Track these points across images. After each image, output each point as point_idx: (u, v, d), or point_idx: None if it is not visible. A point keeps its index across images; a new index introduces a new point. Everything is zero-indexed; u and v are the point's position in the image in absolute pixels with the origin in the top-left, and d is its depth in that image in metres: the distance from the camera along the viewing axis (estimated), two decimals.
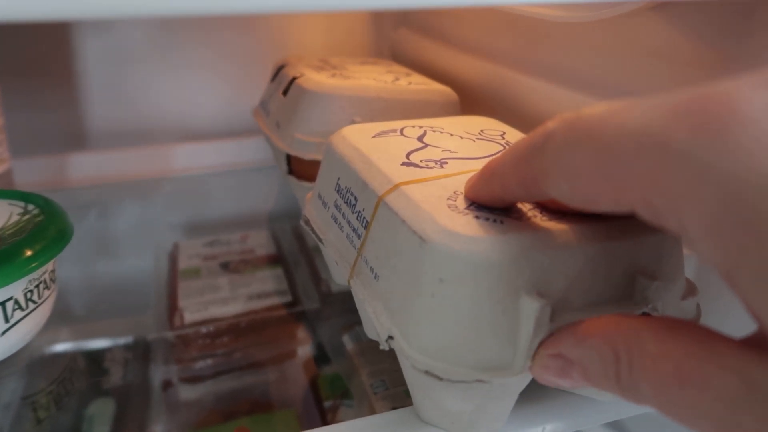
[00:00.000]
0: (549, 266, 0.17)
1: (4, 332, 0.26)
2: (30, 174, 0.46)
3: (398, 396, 0.32)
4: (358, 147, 0.24)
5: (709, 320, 0.21)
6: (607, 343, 0.14)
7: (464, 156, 0.23)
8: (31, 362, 0.35)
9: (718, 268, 0.12)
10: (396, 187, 0.20)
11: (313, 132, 0.34)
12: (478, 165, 0.22)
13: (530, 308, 0.16)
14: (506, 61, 0.38)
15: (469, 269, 0.16)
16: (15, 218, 0.28)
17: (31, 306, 0.27)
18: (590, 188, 0.14)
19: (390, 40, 0.57)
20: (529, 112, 0.35)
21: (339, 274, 0.25)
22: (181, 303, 0.39)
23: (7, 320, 0.26)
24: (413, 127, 0.27)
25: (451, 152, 0.24)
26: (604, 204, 0.14)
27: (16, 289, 0.26)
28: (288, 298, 0.40)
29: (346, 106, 0.33)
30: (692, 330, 0.13)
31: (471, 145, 0.25)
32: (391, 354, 0.19)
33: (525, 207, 0.19)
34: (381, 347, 0.19)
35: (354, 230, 0.22)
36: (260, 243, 0.47)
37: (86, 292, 0.44)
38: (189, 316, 0.38)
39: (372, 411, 0.31)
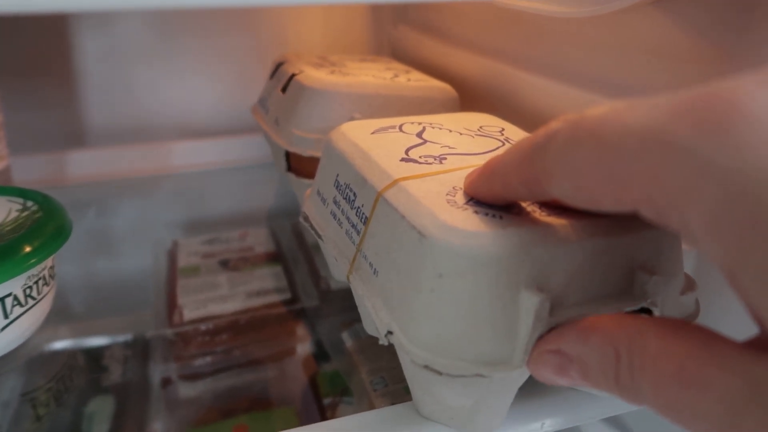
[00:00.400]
0: (548, 261, 0.17)
1: (3, 328, 0.26)
2: (29, 171, 0.46)
3: (398, 393, 0.32)
4: (357, 143, 0.24)
5: (707, 316, 0.21)
6: (608, 341, 0.14)
7: (463, 152, 0.23)
8: (30, 359, 0.35)
9: (720, 267, 0.12)
10: (395, 182, 0.20)
11: (312, 129, 0.34)
12: (478, 161, 0.22)
13: (530, 303, 0.16)
14: (505, 58, 0.38)
15: (468, 264, 0.16)
16: (14, 215, 0.28)
17: (30, 302, 0.27)
18: (593, 187, 0.14)
19: (389, 37, 0.57)
20: (529, 109, 0.35)
21: (338, 271, 0.25)
22: (181, 300, 0.39)
23: (6, 316, 0.26)
24: (412, 123, 0.27)
25: (450, 148, 0.24)
26: (607, 204, 0.14)
27: (15, 285, 0.26)
28: (287, 296, 0.40)
29: (346, 102, 0.33)
30: (694, 331, 0.13)
31: (470, 141, 0.25)
32: (391, 351, 0.19)
33: (524, 203, 0.19)
34: (380, 342, 0.19)
35: (353, 226, 0.22)
36: (259, 241, 0.47)
37: (85, 289, 0.44)
38: (188, 314, 0.38)
39: (371, 408, 0.31)
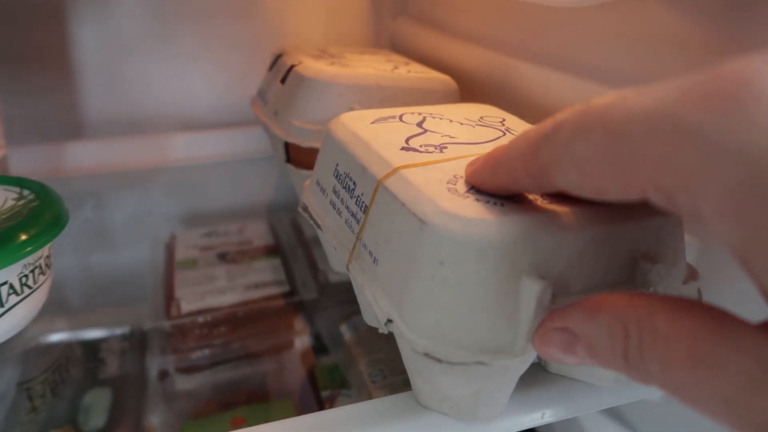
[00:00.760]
0: (550, 248, 0.17)
1: None
2: (26, 162, 0.45)
3: (396, 385, 0.31)
4: (356, 132, 0.23)
5: None
6: (617, 319, 0.14)
7: (464, 141, 0.23)
8: (27, 350, 0.35)
9: (732, 250, 0.11)
10: (395, 170, 0.20)
11: (312, 119, 0.33)
12: (478, 150, 0.22)
13: (531, 290, 0.16)
14: (506, 49, 0.38)
15: (469, 251, 0.16)
16: (10, 203, 0.28)
17: (27, 291, 0.27)
18: (600, 176, 0.13)
19: (389, 30, 0.57)
20: (530, 100, 0.35)
21: (337, 261, 0.24)
22: (178, 293, 0.39)
23: (2, 304, 0.26)
24: (412, 113, 0.26)
25: (450, 137, 0.23)
26: (615, 192, 0.13)
27: (11, 274, 0.26)
28: (285, 289, 0.40)
29: (345, 93, 0.33)
30: (706, 310, 0.13)
31: (471, 130, 0.25)
32: (389, 343, 0.19)
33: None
34: (380, 331, 0.19)
35: (353, 215, 0.21)
36: (258, 234, 0.47)
37: (83, 282, 0.43)
38: (186, 306, 0.37)
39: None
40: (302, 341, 0.38)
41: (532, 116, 0.31)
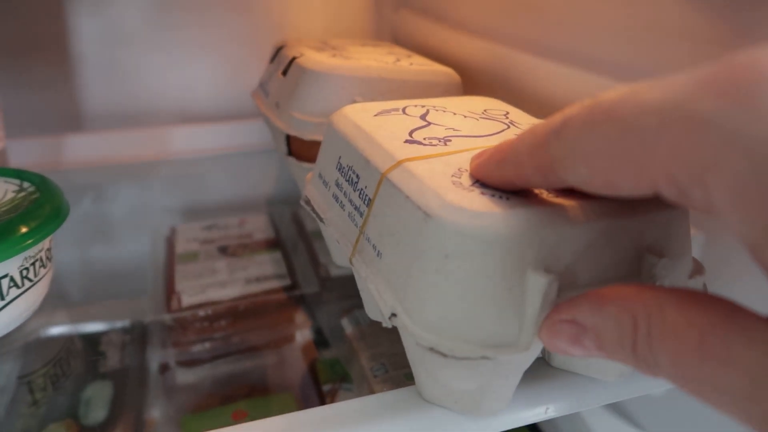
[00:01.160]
0: (556, 242, 0.16)
1: (0, 309, 0.26)
2: (25, 155, 0.45)
3: (398, 379, 0.31)
4: (359, 125, 0.23)
5: None
6: (625, 310, 0.14)
7: (468, 134, 0.23)
8: (27, 344, 0.35)
9: (744, 242, 0.11)
10: (399, 163, 0.20)
11: (313, 112, 0.33)
12: (483, 143, 0.22)
13: (537, 284, 0.16)
14: (509, 41, 0.37)
15: (474, 244, 0.16)
16: (10, 195, 0.28)
17: (27, 284, 0.27)
18: (611, 170, 0.13)
19: (391, 22, 0.56)
20: (534, 93, 0.34)
21: (340, 254, 0.24)
22: (178, 286, 0.38)
23: (2, 297, 0.25)
24: (416, 106, 0.26)
25: (454, 130, 0.23)
26: (626, 187, 0.13)
27: (12, 266, 0.25)
28: (286, 282, 0.40)
29: (347, 85, 0.33)
30: (716, 302, 0.13)
31: (475, 123, 0.24)
32: (391, 337, 0.19)
33: None
34: (384, 325, 0.19)
35: (356, 208, 0.21)
36: (259, 227, 0.46)
37: (83, 275, 0.43)
38: (186, 300, 0.37)
39: (371, 394, 0.31)
40: (303, 335, 0.38)
41: (536, 109, 0.30)
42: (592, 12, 0.30)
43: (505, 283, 0.16)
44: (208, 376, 0.35)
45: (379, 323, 0.20)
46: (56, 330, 0.37)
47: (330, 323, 0.38)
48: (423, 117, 0.25)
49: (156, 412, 0.32)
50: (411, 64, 0.36)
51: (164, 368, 0.35)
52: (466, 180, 0.18)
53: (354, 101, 0.33)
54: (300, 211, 0.47)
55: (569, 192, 0.18)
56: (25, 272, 0.26)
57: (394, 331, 0.19)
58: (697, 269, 0.20)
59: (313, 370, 0.35)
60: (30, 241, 0.25)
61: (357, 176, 0.22)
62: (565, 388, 0.21)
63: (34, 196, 0.28)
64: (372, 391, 0.31)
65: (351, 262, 0.21)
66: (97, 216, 0.47)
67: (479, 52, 0.40)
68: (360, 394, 0.32)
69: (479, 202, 0.17)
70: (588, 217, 0.17)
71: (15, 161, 0.43)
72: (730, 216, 0.11)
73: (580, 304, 0.15)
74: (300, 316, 0.39)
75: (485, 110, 0.26)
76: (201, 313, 0.37)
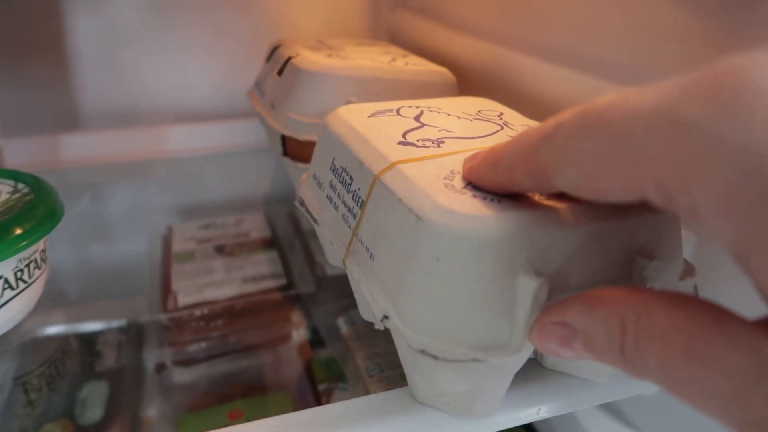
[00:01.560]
0: (547, 245, 0.16)
1: None
2: (21, 154, 0.45)
3: (393, 379, 0.31)
4: (354, 126, 0.23)
5: None
6: (614, 313, 0.14)
7: (461, 136, 0.23)
8: (23, 344, 0.35)
9: (729, 248, 0.11)
10: (392, 165, 0.20)
11: (308, 112, 0.33)
12: (476, 144, 0.22)
13: (528, 287, 0.16)
14: (505, 42, 0.37)
15: (465, 247, 0.16)
16: (5, 197, 0.28)
17: (22, 285, 0.27)
18: (600, 176, 0.13)
19: (387, 21, 0.56)
20: (529, 94, 0.34)
21: (334, 255, 0.24)
22: (175, 286, 0.38)
23: None
24: (410, 107, 0.26)
25: (448, 132, 0.23)
26: (615, 193, 0.13)
27: (6, 268, 0.25)
28: (283, 282, 0.40)
29: (342, 86, 0.33)
30: (704, 306, 0.13)
31: (468, 125, 0.24)
32: (386, 337, 0.19)
33: None
34: (376, 327, 0.19)
35: (349, 210, 0.21)
36: (255, 226, 0.46)
37: (80, 274, 0.43)
38: (182, 299, 0.37)
39: (366, 394, 0.31)
40: (299, 334, 0.38)
41: (532, 109, 0.30)
42: (587, 13, 0.30)
43: (496, 285, 0.16)
44: (204, 375, 0.35)
45: (374, 324, 0.20)
46: (52, 330, 0.37)
47: (326, 323, 0.38)
48: (417, 118, 0.25)
49: (152, 412, 0.32)
50: (406, 63, 0.36)
51: (160, 368, 0.35)
52: (458, 182, 0.18)
53: (349, 101, 0.33)
54: (296, 211, 0.47)
55: (562, 195, 0.18)
56: (19, 274, 0.26)
57: (389, 331, 0.19)
58: (688, 271, 0.20)
59: (309, 369, 0.35)
60: (24, 243, 0.25)
61: (350, 178, 0.22)
62: (557, 389, 0.21)
63: (29, 198, 0.27)
64: (367, 391, 0.31)
65: (344, 264, 0.21)
66: (93, 215, 0.47)
67: (475, 52, 0.40)
68: (355, 394, 0.32)
69: (470, 205, 0.17)
70: (579, 220, 0.17)
71: (12, 161, 0.43)
72: (714, 222, 0.11)
73: (570, 307, 0.15)
74: (296, 316, 0.39)
75: (479, 111, 0.27)
76: (197, 312, 0.37)
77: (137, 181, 0.49)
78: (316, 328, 0.38)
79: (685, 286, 0.19)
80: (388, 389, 0.21)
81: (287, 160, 0.35)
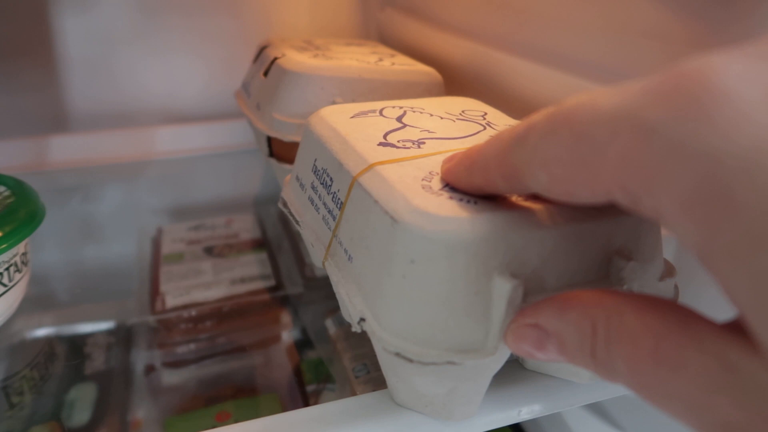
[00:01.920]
0: (522, 246, 0.16)
1: None
2: (10, 157, 0.45)
3: (380, 380, 0.31)
4: (335, 127, 0.23)
5: (688, 302, 0.21)
6: (585, 316, 0.14)
7: (443, 136, 0.23)
8: (11, 346, 0.34)
9: (693, 250, 0.11)
10: (371, 167, 0.20)
11: (294, 113, 0.33)
12: (457, 145, 0.22)
13: (503, 289, 0.16)
14: (492, 42, 0.37)
15: (440, 249, 0.16)
16: None
17: (2, 289, 0.26)
18: (568, 178, 0.13)
19: (376, 21, 0.56)
20: (515, 94, 0.34)
21: (315, 257, 0.24)
22: (163, 287, 0.38)
23: None
24: (393, 107, 0.26)
25: (429, 132, 0.23)
26: (583, 195, 0.13)
27: None
28: (271, 283, 0.40)
29: (327, 86, 0.33)
30: (673, 309, 0.13)
31: (451, 125, 0.24)
32: None
33: None
34: (353, 329, 0.19)
35: (329, 211, 0.21)
36: (245, 227, 0.46)
37: (68, 276, 0.43)
38: (171, 301, 0.37)
39: (353, 395, 0.31)
40: (288, 336, 0.38)
41: (517, 109, 0.30)
42: (570, 12, 0.30)
43: (470, 288, 0.16)
44: (192, 377, 0.35)
45: None
46: (40, 332, 0.37)
47: (314, 324, 0.38)
48: (399, 119, 0.25)
49: (140, 414, 0.32)
50: (393, 63, 0.36)
51: (149, 370, 0.35)
52: (436, 184, 0.18)
53: (334, 102, 0.33)
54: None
55: (539, 197, 0.18)
56: None
57: None
58: (669, 272, 0.19)
59: (297, 370, 0.35)
60: (4, 246, 0.25)
61: (331, 179, 0.21)
62: (538, 391, 0.21)
63: (9, 201, 0.27)
64: (354, 392, 0.31)
65: (324, 266, 0.21)
66: (83, 217, 0.46)
67: (463, 52, 0.40)
68: (342, 395, 0.32)
69: (446, 206, 0.17)
70: (555, 220, 0.17)
71: (0, 163, 0.43)
72: (677, 225, 0.11)
73: (544, 309, 0.15)
74: (285, 317, 0.39)
75: (463, 111, 0.26)
76: (185, 314, 0.37)
77: (126, 183, 0.49)
78: (305, 329, 0.38)
79: (666, 287, 0.19)
80: (374, 390, 0.21)
81: (273, 161, 0.35)
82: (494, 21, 0.38)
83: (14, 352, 0.34)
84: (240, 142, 0.51)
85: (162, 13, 0.51)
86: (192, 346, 0.36)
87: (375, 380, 0.31)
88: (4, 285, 0.26)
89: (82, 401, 0.32)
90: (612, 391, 0.22)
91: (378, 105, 0.26)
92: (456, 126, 0.24)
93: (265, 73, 0.36)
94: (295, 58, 0.34)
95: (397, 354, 0.17)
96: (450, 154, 0.19)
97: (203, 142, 0.50)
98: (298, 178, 0.25)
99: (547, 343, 0.15)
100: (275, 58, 0.35)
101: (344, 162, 0.21)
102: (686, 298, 0.22)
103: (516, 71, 0.34)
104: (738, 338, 0.11)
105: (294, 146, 0.33)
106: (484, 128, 0.24)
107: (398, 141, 0.22)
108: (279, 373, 0.35)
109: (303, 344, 0.37)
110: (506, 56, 0.35)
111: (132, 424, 0.32)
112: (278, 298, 0.39)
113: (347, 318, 0.22)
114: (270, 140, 0.34)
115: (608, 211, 0.17)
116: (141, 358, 0.35)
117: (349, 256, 0.19)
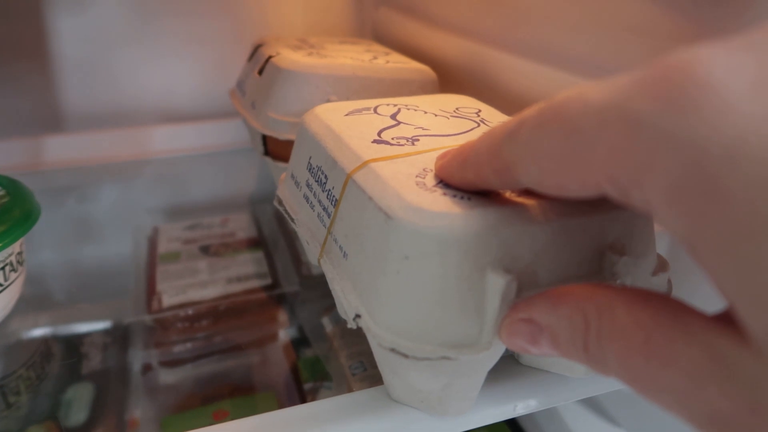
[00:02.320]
0: (515, 242, 0.16)
1: None
2: (5, 157, 0.45)
3: (377, 377, 0.31)
4: (329, 125, 0.23)
5: (682, 297, 0.21)
6: (578, 309, 0.14)
7: (437, 133, 0.23)
8: (7, 346, 0.34)
9: (681, 241, 0.11)
10: (365, 164, 0.20)
11: (288, 111, 0.33)
12: (451, 142, 0.22)
13: (496, 284, 0.16)
14: (486, 39, 0.37)
15: (433, 246, 0.16)
16: None
17: None
18: (559, 171, 0.13)
19: (371, 19, 0.56)
20: (509, 91, 0.34)
21: (311, 254, 0.24)
22: (159, 287, 0.38)
23: None
24: (388, 105, 0.26)
25: (423, 129, 0.23)
26: (574, 188, 0.13)
27: None
28: (268, 281, 0.40)
29: (322, 84, 0.33)
30: (664, 302, 0.13)
31: (445, 122, 0.24)
32: None
33: None
34: (348, 326, 0.19)
35: (324, 209, 0.21)
36: (241, 226, 0.46)
37: (64, 276, 0.43)
38: (167, 300, 0.37)
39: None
40: (285, 334, 0.38)
41: (510, 106, 0.30)
42: (562, 10, 0.30)
43: (464, 283, 0.16)
44: (189, 376, 0.35)
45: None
46: (37, 332, 0.37)
47: (311, 322, 0.38)
48: (393, 116, 0.25)
49: (137, 413, 0.32)
50: (387, 61, 0.36)
51: (146, 369, 0.35)
52: (430, 180, 0.18)
53: (329, 100, 0.33)
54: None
55: (532, 192, 0.18)
56: None
57: None
58: (662, 266, 0.20)
59: (294, 369, 0.35)
60: None
61: (325, 177, 0.22)
62: (533, 386, 0.21)
63: (4, 200, 0.27)
64: (350, 390, 0.31)
65: (319, 263, 0.21)
66: (79, 217, 0.46)
67: (456, 50, 0.40)
68: (339, 393, 0.32)
69: (439, 202, 0.17)
70: (548, 216, 0.17)
71: None
72: (665, 216, 0.11)
73: (537, 303, 0.15)
74: (281, 315, 0.39)
75: (457, 108, 0.26)
76: (182, 313, 0.37)
77: (122, 182, 0.49)
78: (302, 328, 0.38)
79: (659, 282, 0.19)
80: (371, 387, 0.21)
81: (268, 160, 0.35)
82: (487, 19, 0.38)
83: (10, 351, 0.34)
84: (235, 141, 0.51)
85: (156, 13, 0.51)
86: (189, 345, 0.36)
87: (372, 378, 0.31)
88: (0, 284, 0.26)
89: (78, 401, 0.32)
90: (607, 385, 0.22)
91: (372, 102, 0.26)
92: (450, 123, 0.24)
93: (260, 72, 0.36)
94: (289, 57, 0.34)
95: (392, 350, 0.17)
96: (444, 150, 0.19)
97: (198, 141, 0.50)
98: (293, 176, 0.25)
99: (540, 338, 0.15)
100: (270, 57, 0.35)
101: (339, 159, 0.21)
102: (681, 294, 0.22)
103: (509, 68, 0.34)
104: (727, 329, 0.11)
105: (289, 144, 0.33)
106: (478, 125, 0.24)
107: (392, 138, 0.22)
108: (276, 371, 0.35)
109: (300, 342, 0.37)
110: (499, 54, 0.35)
111: (129, 423, 0.32)
112: (274, 296, 0.39)
113: (343, 315, 0.22)
114: (265, 139, 0.34)
115: (601, 206, 0.18)
116: (138, 357, 0.35)
117: (344, 252, 0.19)
